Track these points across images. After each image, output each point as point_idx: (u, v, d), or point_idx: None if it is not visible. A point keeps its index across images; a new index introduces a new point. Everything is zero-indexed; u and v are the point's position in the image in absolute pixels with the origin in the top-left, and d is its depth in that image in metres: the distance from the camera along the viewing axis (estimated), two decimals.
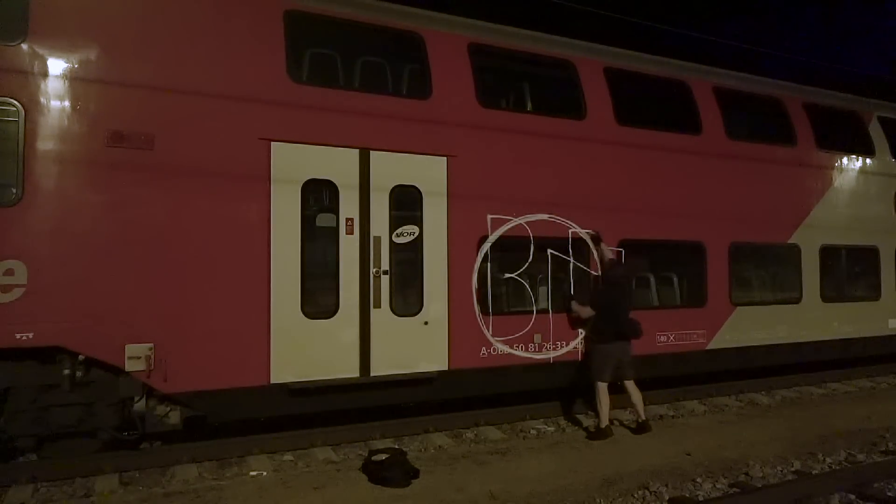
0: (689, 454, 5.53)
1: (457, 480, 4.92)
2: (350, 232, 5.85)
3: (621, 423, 6.66)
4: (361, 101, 6.02)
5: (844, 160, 9.06)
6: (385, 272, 5.97)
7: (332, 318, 5.76)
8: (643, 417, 6.30)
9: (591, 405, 7.17)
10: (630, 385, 6.27)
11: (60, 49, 4.99)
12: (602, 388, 6.13)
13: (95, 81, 5.06)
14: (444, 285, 6.22)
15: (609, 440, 6.03)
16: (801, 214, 8.53)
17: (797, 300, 8.43)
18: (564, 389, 7.09)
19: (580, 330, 6.89)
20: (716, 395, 7.86)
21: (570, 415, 7.01)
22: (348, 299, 5.82)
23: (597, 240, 6.87)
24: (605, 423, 6.15)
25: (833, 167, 8.93)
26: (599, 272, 6.74)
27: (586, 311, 6.40)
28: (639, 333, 6.29)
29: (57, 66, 4.97)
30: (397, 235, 6.08)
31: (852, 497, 4.59)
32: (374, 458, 5.00)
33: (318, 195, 5.84)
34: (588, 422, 6.81)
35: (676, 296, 7.64)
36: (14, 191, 4.81)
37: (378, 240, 5.97)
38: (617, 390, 6.29)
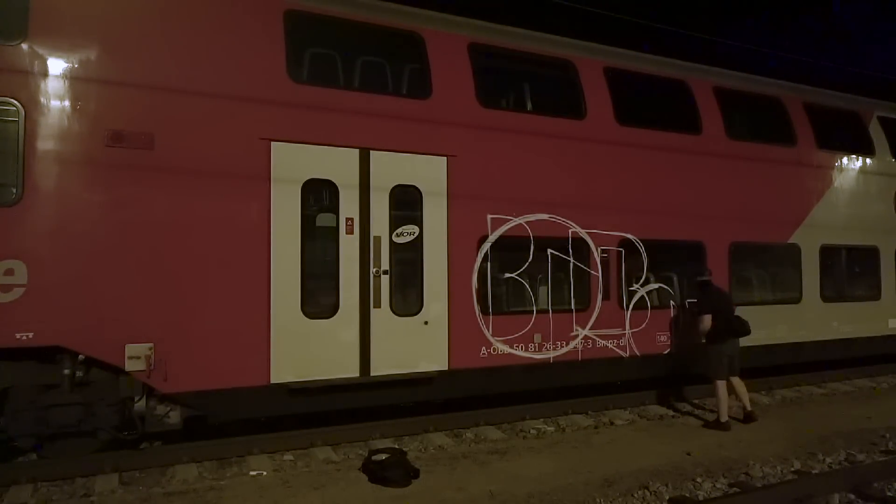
0: (689, 454, 5.53)
1: (457, 480, 4.91)
2: (350, 232, 5.85)
3: (602, 422, 6.64)
4: (361, 101, 6.01)
5: (844, 160, 9.06)
6: (385, 272, 5.97)
7: (332, 318, 5.76)
8: (749, 408, 6.58)
9: (590, 404, 7.21)
10: (736, 380, 6.59)
11: (60, 49, 4.99)
12: (721, 385, 6.45)
13: (95, 81, 5.06)
14: (444, 285, 6.22)
15: (619, 439, 6.04)
16: (801, 214, 8.55)
17: (797, 300, 8.44)
18: (565, 388, 7.12)
19: (581, 330, 6.92)
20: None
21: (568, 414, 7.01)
22: (348, 299, 5.82)
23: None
24: (724, 417, 6.44)
25: (833, 167, 8.95)
26: (698, 281, 6.86)
27: (707, 319, 6.52)
28: (748, 330, 6.57)
29: (57, 65, 4.97)
30: (397, 235, 6.07)
31: (852, 497, 4.59)
32: (374, 457, 4.99)
33: (319, 195, 5.84)
34: (587, 422, 6.81)
35: (676, 296, 7.65)
36: (14, 191, 4.82)
37: (378, 239, 5.97)
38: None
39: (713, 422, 6.57)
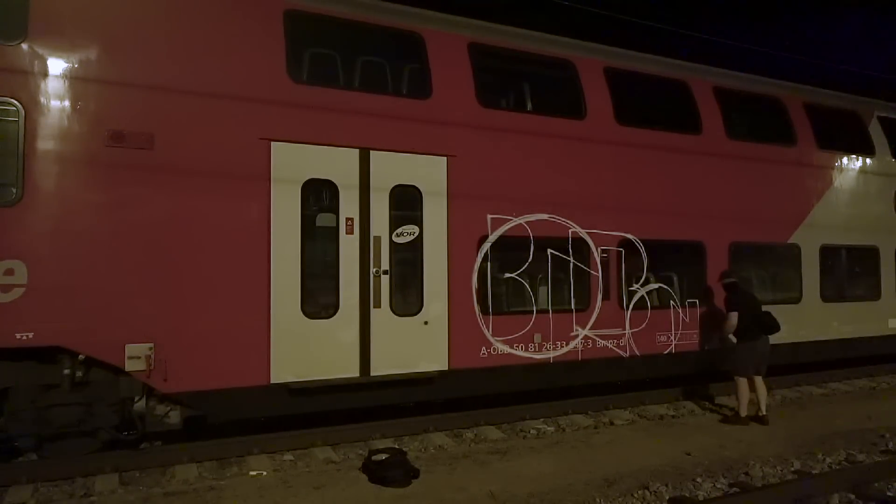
0: (689, 454, 5.52)
1: (457, 480, 4.90)
2: (350, 232, 5.84)
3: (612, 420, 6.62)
4: (361, 101, 6.01)
5: (844, 160, 9.06)
6: (385, 272, 5.96)
7: (332, 318, 5.76)
8: (764, 412, 6.60)
9: (590, 404, 7.20)
10: (759, 380, 6.62)
11: (60, 49, 4.99)
12: (743, 382, 6.55)
13: (95, 81, 5.05)
14: (444, 285, 6.22)
15: (619, 439, 6.04)
16: (801, 214, 8.55)
17: (797, 300, 8.44)
18: (565, 389, 7.12)
19: (581, 330, 6.93)
20: (715, 395, 7.82)
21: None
22: (348, 299, 5.81)
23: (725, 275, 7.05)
24: (744, 412, 6.56)
25: (833, 167, 8.94)
26: (723, 283, 6.95)
27: (734, 317, 6.61)
28: (777, 326, 6.65)
29: (57, 65, 4.97)
30: (397, 235, 6.06)
31: (852, 497, 4.58)
32: (374, 457, 4.98)
33: (319, 195, 5.83)
34: (587, 422, 6.81)
35: (676, 296, 7.62)
36: (14, 191, 4.80)
37: (378, 239, 5.96)
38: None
39: (732, 416, 6.62)
